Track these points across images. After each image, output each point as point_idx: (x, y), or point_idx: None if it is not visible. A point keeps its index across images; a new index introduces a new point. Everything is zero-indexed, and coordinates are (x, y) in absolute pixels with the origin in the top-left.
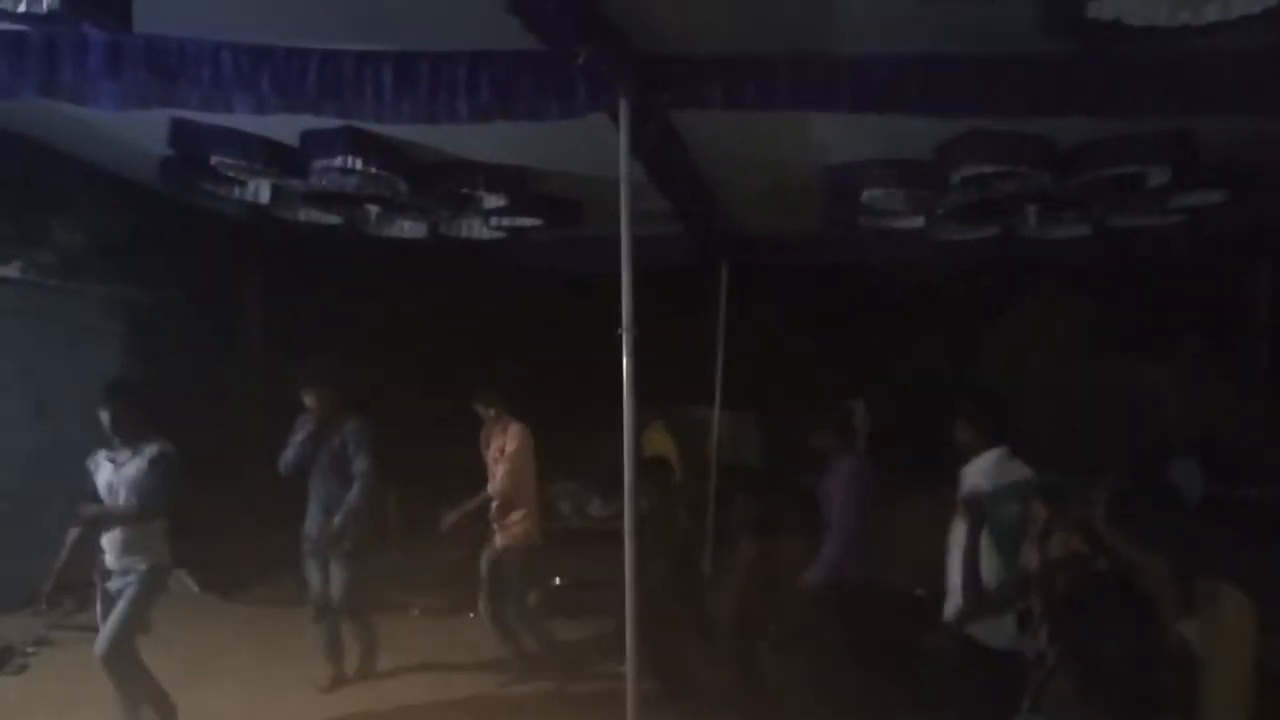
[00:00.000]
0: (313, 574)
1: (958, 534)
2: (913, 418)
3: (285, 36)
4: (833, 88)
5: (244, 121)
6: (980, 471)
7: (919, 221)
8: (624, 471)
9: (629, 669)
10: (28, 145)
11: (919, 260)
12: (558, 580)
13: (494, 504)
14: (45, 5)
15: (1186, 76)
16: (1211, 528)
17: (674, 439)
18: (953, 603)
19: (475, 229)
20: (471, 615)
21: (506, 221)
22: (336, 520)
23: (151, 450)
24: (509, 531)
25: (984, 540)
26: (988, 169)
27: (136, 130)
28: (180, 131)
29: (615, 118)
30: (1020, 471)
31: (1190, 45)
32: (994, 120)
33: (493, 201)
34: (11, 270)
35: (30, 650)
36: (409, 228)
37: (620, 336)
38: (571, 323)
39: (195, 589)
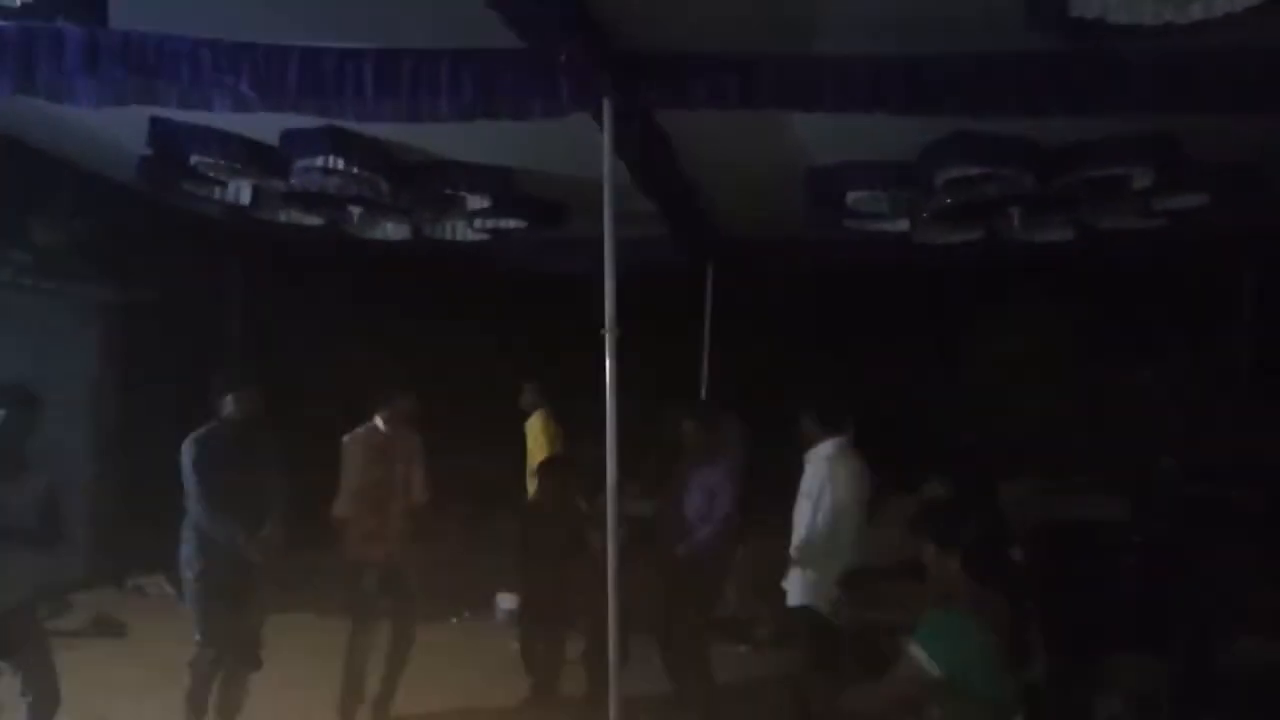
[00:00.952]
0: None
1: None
2: (894, 421)
3: (265, 34)
4: (816, 87)
5: (224, 120)
6: (821, 457)
7: (904, 224)
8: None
9: (610, 671)
10: (4, 142)
11: (904, 263)
12: None
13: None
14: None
15: (1171, 75)
16: (1194, 528)
17: (554, 429)
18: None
19: (459, 231)
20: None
21: (490, 223)
22: (259, 547)
23: (44, 475)
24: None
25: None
26: (972, 171)
27: (115, 128)
28: (159, 130)
29: (599, 118)
30: (855, 460)
31: (1175, 44)
32: (977, 120)
33: (477, 203)
34: None
35: None
36: (392, 229)
37: (603, 336)
38: (554, 322)
39: (174, 594)
